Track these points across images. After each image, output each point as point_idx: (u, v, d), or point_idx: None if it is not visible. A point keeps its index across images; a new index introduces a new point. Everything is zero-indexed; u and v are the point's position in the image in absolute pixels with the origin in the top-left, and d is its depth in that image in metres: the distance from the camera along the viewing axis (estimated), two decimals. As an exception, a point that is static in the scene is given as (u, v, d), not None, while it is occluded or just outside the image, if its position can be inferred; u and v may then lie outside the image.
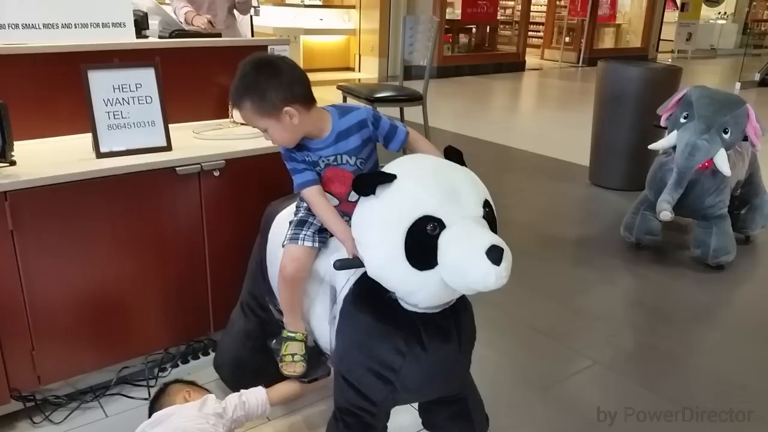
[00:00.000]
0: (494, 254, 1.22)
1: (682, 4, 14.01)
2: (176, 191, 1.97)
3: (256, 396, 1.77)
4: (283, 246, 1.66)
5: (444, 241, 1.28)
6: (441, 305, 1.44)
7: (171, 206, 1.98)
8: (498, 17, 11.56)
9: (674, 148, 3.02)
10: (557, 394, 2.20)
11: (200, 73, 2.41)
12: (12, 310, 1.78)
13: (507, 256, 1.24)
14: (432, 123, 4.51)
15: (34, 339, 1.84)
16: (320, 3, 10.43)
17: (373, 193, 1.37)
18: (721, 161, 2.91)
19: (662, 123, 3.20)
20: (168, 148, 1.99)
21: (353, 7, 10.12)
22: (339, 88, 4.59)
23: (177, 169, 1.93)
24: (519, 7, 11.74)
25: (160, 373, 2.14)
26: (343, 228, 1.51)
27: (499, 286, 1.25)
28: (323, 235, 1.65)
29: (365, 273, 1.45)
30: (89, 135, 1.91)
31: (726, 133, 2.93)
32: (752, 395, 2.22)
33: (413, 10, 9.55)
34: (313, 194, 1.58)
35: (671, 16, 14.51)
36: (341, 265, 1.46)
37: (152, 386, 2.05)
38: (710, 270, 3.20)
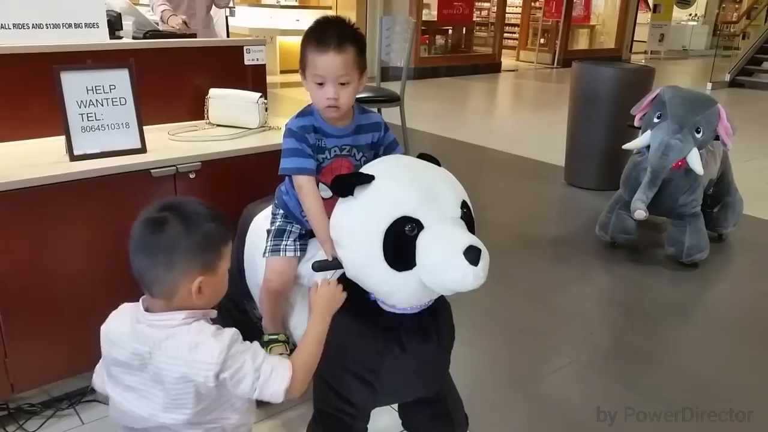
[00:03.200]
0: (472, 255, 1.23)
1: (655, 6, 14.22)
2: (151, 194, 1.94)
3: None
4: (264, 257, 1.65)
5: (422, 242, 1.29)
6: (420, 306, 1.44)
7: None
8: (474, 19, 11.64)
9: (648, 147, 3.06)
10: (536, 392, 2.21)
11: (175, 74, 2.39)
12: (-17, 317, 1.75)
13: (484, 256, 1.25)
14: (409, 124, 4.52)
15: (6, 346, 1.80)
16: (296, 4, 10.39)
17: (352, 194, 1.37)
18: (694, 160, 2.96)
19: (636, 123, 3.25)
20: (143, 150, 1.97)
21: (329, 7, 10.09)
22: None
23: (152, 171, 1.91)
24: (494, 9, 11.84)
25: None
26: (325, 228, 1.49)
27: (476, 286, 1.26)
28: (303, 241, 1.65)
29: (344, 274, 1.45)
30: (62, 137, 1.88)
31: (698, 132, 2.98)
32: (727, 391, 2.26)
33: (389, 10, 9.55)
34: (308, 184, 1.54)
35: (644, 17, 14.72)
36: (320, 266, 1.45)
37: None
38: (684, 268, 3.25)
